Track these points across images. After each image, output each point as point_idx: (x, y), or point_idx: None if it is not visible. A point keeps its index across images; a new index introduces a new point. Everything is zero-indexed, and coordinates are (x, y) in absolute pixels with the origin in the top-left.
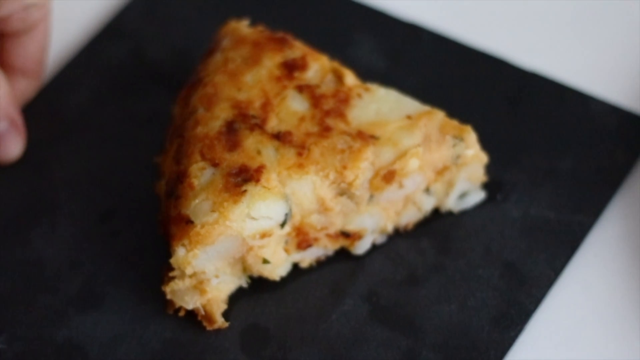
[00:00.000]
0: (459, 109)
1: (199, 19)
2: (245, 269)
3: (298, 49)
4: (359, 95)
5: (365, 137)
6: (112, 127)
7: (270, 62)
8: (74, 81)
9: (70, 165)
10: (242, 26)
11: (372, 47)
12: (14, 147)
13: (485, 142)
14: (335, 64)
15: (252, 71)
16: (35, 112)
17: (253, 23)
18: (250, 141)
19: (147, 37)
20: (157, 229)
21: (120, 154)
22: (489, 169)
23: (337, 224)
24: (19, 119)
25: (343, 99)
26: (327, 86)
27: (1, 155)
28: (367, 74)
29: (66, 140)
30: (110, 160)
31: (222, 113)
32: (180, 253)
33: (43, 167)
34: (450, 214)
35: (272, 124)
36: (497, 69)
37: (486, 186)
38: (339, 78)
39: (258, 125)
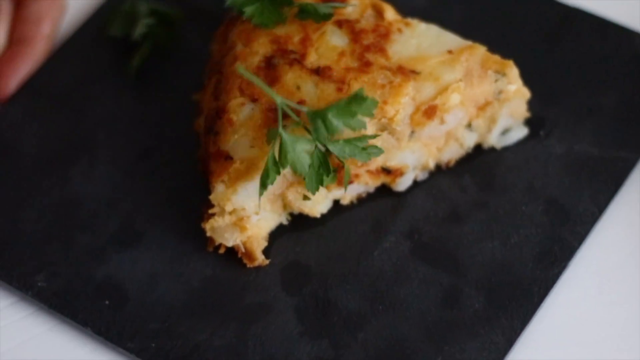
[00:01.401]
0: (501, 45)
1: None
2: (285, 205)
3: None
4: (399, 30)
5: (405, 72)
6: (149, 65)
7: None
8: (111, 19)
9: (108, 104)
10: None
11: None
12: None
13: (527, 79)
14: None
15: (290, 6)
16: (73, 51)
17: None
18: (290, 76)
19: None
20: (197, 166)
21: (158, 92)
22: (531, 105)
23: (378, 160)
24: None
25: (383, 34)
26: (367, 21)
27: None
28: (407, 10)
29: (104, 79)
30: (149, 99)
31: (260, 48)
32: (219, 189)
33: (81, 106)
34: (492, 150)
35: (312, 59)
36: (538, 4)
37: (528, 122)
38: (379, 13)
39: (297, 61)
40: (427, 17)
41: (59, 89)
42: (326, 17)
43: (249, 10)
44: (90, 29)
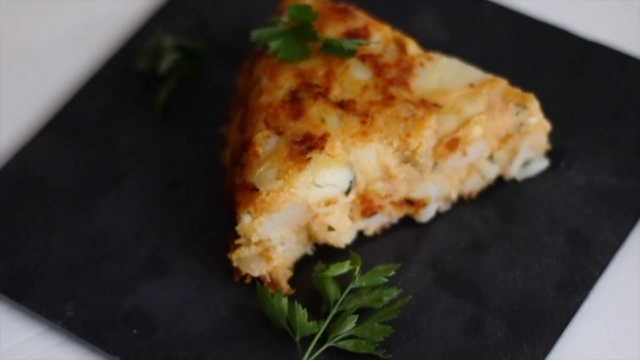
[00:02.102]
0: (520, 78)
1: None
2: (310, 236)
3: (360, 19)
4: (422, 64)
5: (428, 105)
6: (175, 99)
7: (333, 32)
8: (137, 53)
9: (134, 137)
10: None
11: (433, 18)
12: None
13: (547, 111)
14: (397, 34)
15: (315, 41)
16: (100, 83)
17: None
18: (314, 110)
19: (209, 11)
20: (223, 198)
21: (184, 125)
22: (552, 137)
23: (402, 192)
24: None
25: (406, 68)
26: (390, 55)
27: None
28: (429, 45)
29: (130, 112)
30: (175, 132)
31: (285, 82)
32: (246, 220)
33: (108, 138)
34: (513, 182)
35: (336, 93)
36: (558, 38)
37: (549, 154)
38: (402, 47)
39: (321, 94)
40: (448, 50)
41: (85, 122)
42: (350, 53)
43: (274, 45)
44: (117, 63)
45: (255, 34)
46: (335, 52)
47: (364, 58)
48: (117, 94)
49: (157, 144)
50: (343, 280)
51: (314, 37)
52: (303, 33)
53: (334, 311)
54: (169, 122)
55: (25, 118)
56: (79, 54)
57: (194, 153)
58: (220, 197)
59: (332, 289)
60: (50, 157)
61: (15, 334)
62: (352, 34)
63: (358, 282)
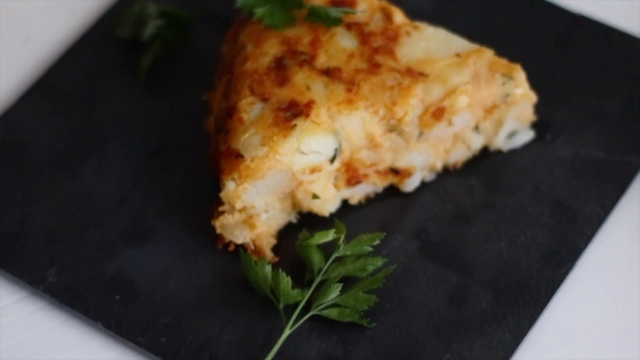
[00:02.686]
0: (506, 50)
1: None
2: (294, 204)
3: None
4: (408, 34)
5: (414, 74)
6: (159, 65)
7: (319, 0)
8: (120, 20)
9: (118, 103)
10: None
11: None
12: None
13: (533, 83)
14: (384, 3)
15: (301, 9)
16: (83, 48)
17: None
18: (300, 77)
19: None
20: (206, 164)
21: (168, 92)
22: (538, 109)
23: (387, 161)
24: None
25: (392, 37)
26: (376, 24)
27: None
28: (414, 15)
29: (114, 78)
30: (159, 98)
31: (271, 49)
32: (230, 187)
33: (91, 104)
34: (499, 152)
35: (321, 61)
36: (544, 11)
37: (535, 126)
38: (388, 16)
39: (307, 62)
40: (434, 21)
41: (68, 88)
42: (336, 22)
43: (259, 11)
44: (100, 29)
45: (241, 1)
46: (321, 20)
47: (349, 26)
48: (101, 60)
49: (141, 110)
50: (327, 249)
51: (300, 4)
52: (289, 0)
53: (318, 279)
54: (152, 89)
55: (7, 83)
56: (61, 20)
57: (177, 119)
58: (203, 164)
59: (316, 257)
60: (33, 122)
61: None
62: (338, 2)
63: (343, 250)
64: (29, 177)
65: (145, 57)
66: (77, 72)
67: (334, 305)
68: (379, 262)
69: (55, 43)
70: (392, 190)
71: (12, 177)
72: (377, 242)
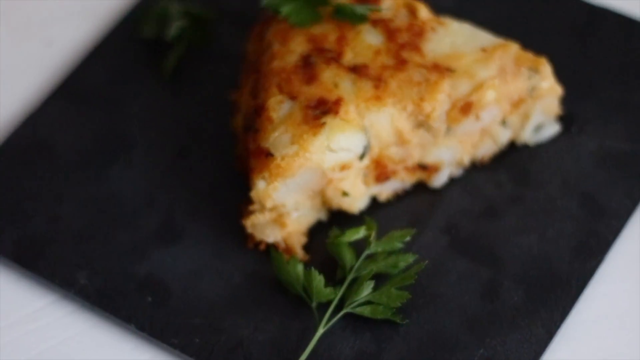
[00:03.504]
0: (529, 45)
1: None
2: (324, 202)
3: None
4: (433, 29)
5: (441, 69)
6: (184, 65)
7: None
8: (144, 20)
9: (144, 103)
10: None
11: None
12: None
13: (558, 76)
14: None
15: (325, 6)
16: (107, 50)
17: None
18: (327, 74)
19: None
20: (234, 164)
21: (194, 91)
22: (562, 102)
23: (415, 157)
24: None
25: (417, 33)
26: (401, 20)
27: None
28: (437, 9)
29: (139, 79)
30: (185, 98)
31: (297, 47)
32: (260, 186)
33: (116, 105)
34: (525, 146)
35: (348, 58)
36: (565, 4)
37: (560, 119)
38: (412, 12)
39: (334, 59)
40: (456, 16)
41: (93, 89)
42: (362, 19)
43: (285, 9)
44: (123, 30)
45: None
46: (347, 17)
47: (375, 23)
48: (125, 60)
49: (166, 110)
50: (358, 247)
51: (325, 2)
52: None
53: (350, 277)
54: (177, 89)
55: (32, 85)
56: (84, 21)
57: (203, 119)
58: (231, 163)
59: (347, 255)
60: (59, 124)
61: (28, 303)
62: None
63: (374, 247)
64: (56, 179)
65: (169, 57)
66: (101, 74)
67: (367, 303)
68: (410, 258)
69: (79, 45)
70: (420, 187)
71: (39, 180)
72: (407, 238)
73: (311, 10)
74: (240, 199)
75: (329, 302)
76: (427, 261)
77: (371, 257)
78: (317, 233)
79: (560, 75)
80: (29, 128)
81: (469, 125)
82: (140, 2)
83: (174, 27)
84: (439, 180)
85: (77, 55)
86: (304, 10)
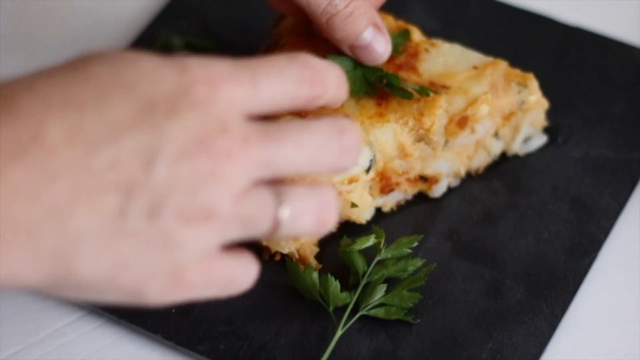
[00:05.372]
0: (511, 64)
1: None
2: None
3: None
4: (427, 50)
5: (437, 87)
6: None
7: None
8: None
9: None
10: None
11: (425, 12)
12: (383, 50)
13: (542, 91)
14: (401, 22)
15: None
16: None
17: None
18: None
19: (212, 11)
20: None
21: None
22: (548, 115)
23: (416, 169)
24: (380, 22)
25: (413, 54)
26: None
27: (372, 60)
28: (426, 34)
29: None
30: None
31: None
32: None
33: None
34: (516, 157)
35: None
36: (542, 25)
37: (547, 130)
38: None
39: None
40: (441, 38)
41: None
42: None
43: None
44: None
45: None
46: (396, 93)
47: None
48: None
49: None
50: (368, 254)
51: (381, 79)
52: (370, 74)
53: (363, 282)
54: None
55: None
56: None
57: None
58: None
59: (359, 262)
60: None
61: (56, 319)
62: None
63: (384, 254)
64: None
65: None
66: None
67: (381, 305)
68: (419, 262)
69: None
70: (421, 197)
71: None
72: (415, 244)
73: (366, 83)
74: None
75: (345, 306)
76: (435, 264)
77: (381, 263)
78: (327, 243)
79: (544, 91)
80: None
81: (465, 138)
82: (142, 34)
83: None
84: (438, 190)
85: None
86: (357, 82)
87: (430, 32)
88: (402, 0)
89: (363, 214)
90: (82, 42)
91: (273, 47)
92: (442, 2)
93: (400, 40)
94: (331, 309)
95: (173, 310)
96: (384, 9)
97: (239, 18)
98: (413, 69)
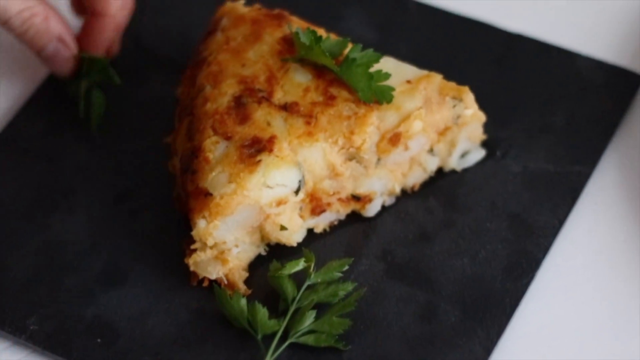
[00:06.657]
0: (451, 73)
1: (191, 3)
2: (263, 237)
3: (296, 23)
4: None
5: (368, 103)
6: (117, 113)
7: (271, 38)
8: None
9: (80, 152)
10: (239, 6)
11: (362, 20)
12: (66, 64)
13: (480, 103)
14: (333, 36)
15: (254, 47)
16: (39, 104)
17: (248, 3)
18: (260, 113)
19: (143, 24)
20: (173, 205)
21: (128, 138)
22: (486, 127)
23: (348, 188)
24: (67, 36)
25: None
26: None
27: (56, 72)
28: (363, 45)
29: (73, 128)
30: (120, 145)
31: (229, 89)
32: (201, 225)
33: (54, 156)
34: (453, 172)
35: (278, 96)
36: (482, 33)
37: (485, 144)
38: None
39: (265, 98)
40: (379, 50)
41: (29, 140)
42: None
43: None
44: (52, 83)
45: None
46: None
47: (303, 61)
48: (58, 112)
49: (103, 158)
50: (298, 278)
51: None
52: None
53: (292, 308)
54: (111, 136)
55: None
56: (15, 75)
57: (139, 164)
58: (170, 205)
59: (288, 287)
60: None
61: None
62: (289, 39)
63: (314, 278)
64: (0, 230)
65: (91, 112)
66: (35, 126)
67: (310, 332)
68: (350, 286)
69: (10, 99)
70: (354, 217)
71: None
72: (346, 267)
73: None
74: (181, 238)
75: (274, 334)
76: (365, 288)
77: (311, 288)
78: (257, 267)
79: (483, 102)
80: None
81: (398, 155)
82: None
83: (82, 96)
84: (372, 209)
85: (9, 110)
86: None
87: (367, 43)
88: (339, 10)
89: (293, 237)
90: (11, 63)
91: (201, 62)
92: (380, 11)
93: (336, 49)
94: (259, 336)
95: (98, 340)
96: (318, 18)
97: (171, 32)
98: (343, 84)
